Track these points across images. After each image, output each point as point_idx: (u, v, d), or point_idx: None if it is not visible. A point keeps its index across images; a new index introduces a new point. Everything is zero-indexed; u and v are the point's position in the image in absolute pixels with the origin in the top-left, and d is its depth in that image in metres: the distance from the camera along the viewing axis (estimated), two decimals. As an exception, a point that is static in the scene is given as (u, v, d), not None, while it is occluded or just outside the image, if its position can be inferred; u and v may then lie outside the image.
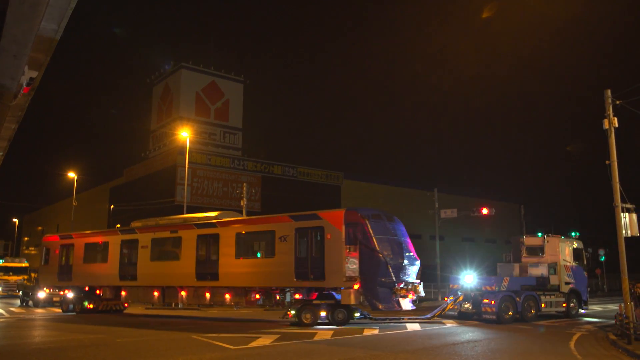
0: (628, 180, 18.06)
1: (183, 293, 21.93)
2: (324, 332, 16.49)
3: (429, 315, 20.12)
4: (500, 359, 12.00)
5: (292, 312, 18.73)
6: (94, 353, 12.88)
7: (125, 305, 26.76)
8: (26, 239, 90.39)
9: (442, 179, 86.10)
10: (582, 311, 23.20)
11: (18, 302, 33.94)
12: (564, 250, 22.87)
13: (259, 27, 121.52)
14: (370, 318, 20.04)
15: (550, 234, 23.34)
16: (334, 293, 18.91)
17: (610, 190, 16.30)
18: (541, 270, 21.90)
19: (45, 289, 29.68)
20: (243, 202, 35.48)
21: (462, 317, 20.74)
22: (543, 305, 21.05)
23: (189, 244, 21.73)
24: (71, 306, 26.09)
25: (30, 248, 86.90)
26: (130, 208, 52.34)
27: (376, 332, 16.78)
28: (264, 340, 14.56)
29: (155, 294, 22.77)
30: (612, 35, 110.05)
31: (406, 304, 17.77)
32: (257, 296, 20.08)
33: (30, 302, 31.65)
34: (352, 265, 17.56)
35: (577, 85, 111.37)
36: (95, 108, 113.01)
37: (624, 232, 16.02)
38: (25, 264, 44.02)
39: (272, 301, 20.22)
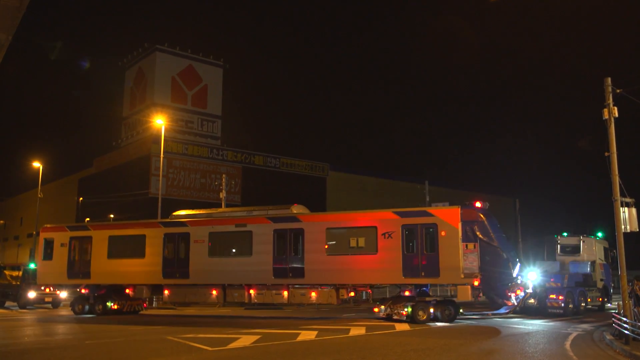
0: (628, 174, 18.29)
1: (252, 291, 21.56)
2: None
3: (503, 310, 21.24)
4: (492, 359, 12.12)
5: (407, 309, 19.29)
6: (60, 356, 12.71)
7: (144, 305, 25.43)
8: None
9: (433, 171, 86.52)
10: (609, 305, 26.47)
11: None
12: (599, 250, 26.14)
13: (240, 8, 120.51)
14: (461, 313, 21.01)
15: (584, 235, 26.41)
16: (426, 289, 20.19)
17: (609, 184, 16.46)
18: (581, 268, 24.62)
19: (45, 288, 27.83)
20: (222, 195, 35.27)
21: (524, 312, 22.97)
22: (589, 299, 24.53)
23: (262, 238, 21.35)
24: (87, 307, 24.05)
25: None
26: (101, 200, 51.78)
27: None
28: (244, 341, 14.52)
29: (213, 292, 22.15)
30: (613, 24, 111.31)
31: (514, 299, 19.52)
32: (352, 294, 20.74)
33: (8, 304, 29.99)
34: (472, 262, 18.77)
35: (578, 76, 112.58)
36: (63, 93, 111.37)
37: (622, 227, 16.20)
38: None
39: (362, 298, 21.35)
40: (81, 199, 56.04)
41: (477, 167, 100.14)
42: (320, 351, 13.17)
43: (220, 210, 24.08)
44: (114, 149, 59.57)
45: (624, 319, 14.64)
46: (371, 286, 21.01)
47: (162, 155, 36.37)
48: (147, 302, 25.19)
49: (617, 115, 16.49)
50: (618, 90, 16.44)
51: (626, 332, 14.05)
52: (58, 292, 27.77)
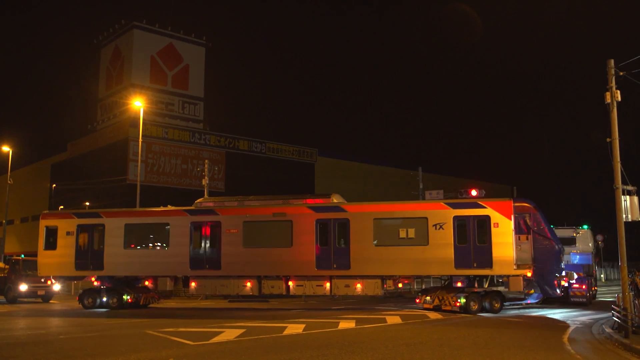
0: (630, 161, 18.43)
1: (290, 283, 22.06)
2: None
3: (533, 301, 22.96)
4: (488, 356, 12.18)
5: (461, 300, 20.24)
6: (31, 351, 12.59)
7: (156, 297, 25.10)
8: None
9: (427, 157, 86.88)
10: (597, 294, 29.45)
11: None
12: (592, 242, 28.29)
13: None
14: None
15: (577, 227, 28.22)
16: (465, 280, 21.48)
17: (610, 172, 16.49)
18: (582, 260, 27.09)
19: (45, 280, 27.38)
20: (205, 181, 35.09)
21: (546, 301, 24.12)
22: (594, 288, 27.26)
23: (304, 228, 21.78)
24: (98, 300, 23.47)
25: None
26: (76, 187, 51.34)
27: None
28: (227, 335, 14.50)
29: (248, 284, 22.36)
30: (615, 8, 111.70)
31: (559, 290, 21.23)
32: (400, 285, 22.08)
33: None
34: (525, 253, 20.16)
35: (577, 62, 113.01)
36: (34, 72, 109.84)
37: (624, 216, 16.28)
38: None
39: (402, 289, 22.86)
40: (54, 185, 55.46)
41: (472, 154, 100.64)
42: (307, 345, 13.15)
43: (251, 197, 23.97)
44: (89, 133, 58.96)
45: (623, 311, 14.78)
46: (415, 277, 22.38)
47: (140, 139, 36.01)
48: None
49: (619, 99, 16.48)
50: (621, 73, 16.41)
51: (626, 324, 14.19)
52: (48, 282, 27.38)
